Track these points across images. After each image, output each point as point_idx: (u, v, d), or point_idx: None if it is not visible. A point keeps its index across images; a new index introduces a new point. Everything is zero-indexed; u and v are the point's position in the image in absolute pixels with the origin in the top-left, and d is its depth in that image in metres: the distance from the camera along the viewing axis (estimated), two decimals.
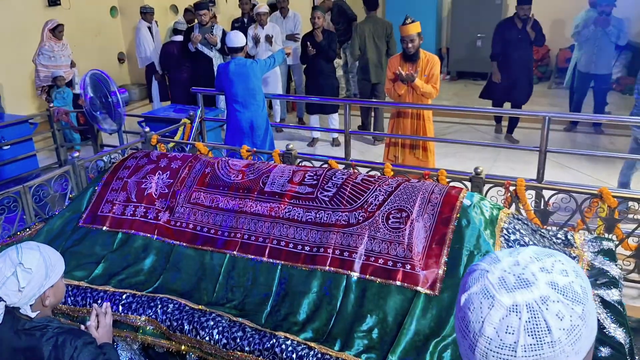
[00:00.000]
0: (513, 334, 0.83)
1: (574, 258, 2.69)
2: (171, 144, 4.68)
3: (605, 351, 2.09)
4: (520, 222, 2.50)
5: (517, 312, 0.83)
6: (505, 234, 2.35)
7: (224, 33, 7.02)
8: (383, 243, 2.33)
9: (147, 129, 4.73)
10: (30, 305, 1.86)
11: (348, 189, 2.55)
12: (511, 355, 0.83)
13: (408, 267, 2.25)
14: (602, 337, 2.15)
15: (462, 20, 10.28)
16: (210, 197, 2.79)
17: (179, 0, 9.94)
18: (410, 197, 2.42)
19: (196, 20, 7.12)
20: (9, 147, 5.96)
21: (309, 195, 2.60)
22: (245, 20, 7.80)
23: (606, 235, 3.21)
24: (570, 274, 0.87)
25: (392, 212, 2.39)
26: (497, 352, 0.84)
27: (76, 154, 4.09)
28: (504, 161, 5.78)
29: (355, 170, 3.16)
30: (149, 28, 7.90)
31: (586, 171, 5.55)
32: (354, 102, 6.86)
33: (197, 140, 5.28)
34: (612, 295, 2.40)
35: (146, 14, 7.85)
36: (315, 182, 2.65)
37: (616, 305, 2.33)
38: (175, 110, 6.04)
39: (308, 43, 6.46)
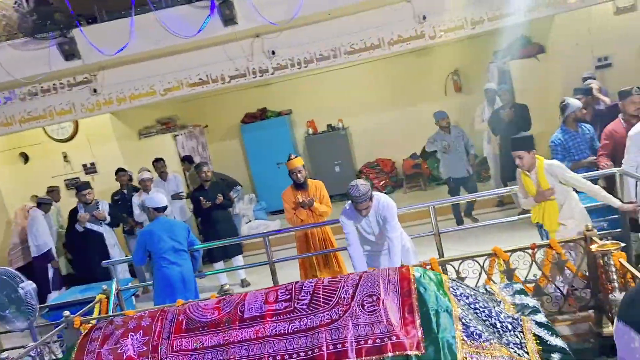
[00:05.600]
0: None
1: (499, 302, 3.31)
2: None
3: (556, 356, 2.65)
4: (455, 281, 3.09)
5: None
6: (453, 290, 2.91)
7: (110, 207, 7.20)
8: (366, 326, 2.73)
9: (67, 313, 4.63)
10: None
11: (320, 293, 2.95)
12: None
13: (394, 338, 2.66)
14: (549, 348, 2.72)
15: (318, 152, 11.46)
16: (192, 340, 2.96)
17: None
18: (373, 283, 2.89)
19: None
20: None
21: (287, 308, 2.93)
22: (125, 191, 8.04)
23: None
24: None
25: (365, 298, 2.83)
26: None
27: None
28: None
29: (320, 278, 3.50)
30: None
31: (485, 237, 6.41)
32: (269, 234, 6.61)
33: (117, 312, 5.21)
34: (540, 318, 3.04)
35: (44, 204, 7.69)
36: (289, 295, 3.00)
37: (546, 323, 2.95)
38: (81, 291, 5.90)
39: (201, 197, 6.89)
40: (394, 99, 11.36)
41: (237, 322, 2.97)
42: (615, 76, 7.75)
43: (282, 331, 2.85)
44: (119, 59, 6.49)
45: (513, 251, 3.99)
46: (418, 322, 2.70)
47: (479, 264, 4.04)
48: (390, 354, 2.62)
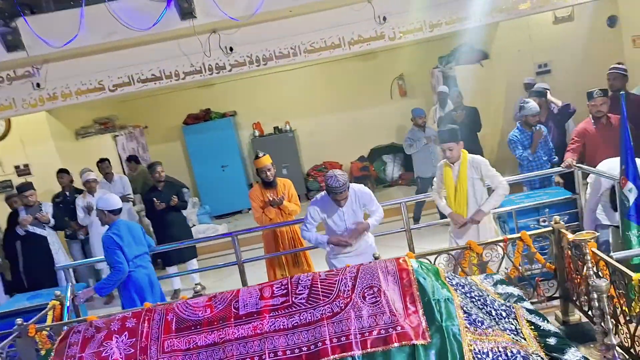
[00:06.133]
0: None
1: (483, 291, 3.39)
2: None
3: (552, 340, 2.74)
4: (449, 272, 3.14)
5: None
6: (449, 280, 2.94)
7: (57, 208, 6.76)
8: (369, 318, 2.70)
9: (20, 321, 4.29)
10: None
11: (319, 286, 2.89)
12: None
13: (399, 328, 2.65)
14: (544, 333, 2.81)
15: None
16: (184, 339, 2.80)
17: None
18: (372, 274, 2.87)
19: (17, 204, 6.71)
20: None
21: (285, 303, 2.85)
22: (67, 193, 7.57)
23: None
24: None
25: (365, 290, 2.81)
26: None
27: None
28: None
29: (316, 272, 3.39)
30: None
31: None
32: (237, 234, 5.83)
33: (72, 319, 4.87)
34: (527, 305, 3.13)
35: None
36: (285, 290, 2.91)
37: (535, 310, 3.05)
38: (28, 298, 5.46)
39: (155, 199, 6.59)
40: (341, 102, 11.47)
41: (232, 319, 2.85)
42: (554, 82, 8.21)
43: (282, 326, 2.77)
44: (66, 52, 6.08)
45: (486, 244, 4.12)
46: (421, 311, 2.71)
47: (454, 258, 4.12)
48: (396, 344, 2.61)
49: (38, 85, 6.38)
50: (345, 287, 2.86)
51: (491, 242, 4.11)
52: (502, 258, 4.11)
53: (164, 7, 5.86)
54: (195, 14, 5.95)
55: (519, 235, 4.06)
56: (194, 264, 6.95)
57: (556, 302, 4.22)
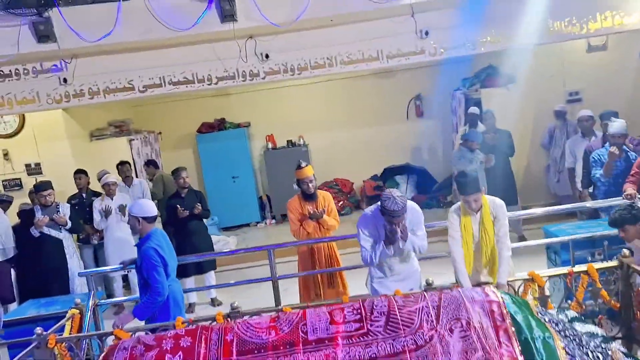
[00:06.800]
0: None
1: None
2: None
3: None
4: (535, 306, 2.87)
5: None
6: (541, 316, 2.67)
7: (72, 211, 6.44)
8: (460, 354, 2.42)
9: (40, 330, 3.97)
10: None
11: (397, 314, 2.60)
12: None
13: None
14: None
15: (276, 169, 10.96)
16: None
17: None
18: (458, 305, 2.59)
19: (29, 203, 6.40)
20: None
21: (359, 330, 2.56)
22: (84, 195, 7.27)
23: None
24: None
25: (452, 322, 2.53)
26: None
27: None
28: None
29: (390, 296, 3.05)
30: None
31: None
32: (274, 247, 5.28)
33: (92, 332, 4.55)
34: (618, 346, 2.86)
35: (5, 202, 6.72)
36: (359, 315, 2.63)
37: (628, 352, 2.78)
38: (43, 305, 5.12)
39: (178, 206, 6.29)
40: (356, 119, 11.28)
41: (300, 345, 2.55)
42: None
43: (358, 357, 2.48)
44: (97, 48, 5.83)
45: (550, 277, 3.85)
46: (517, 350, 2.44)
47: (514, 289, 3.85)
48: None
49: (65, 80, 6.12)
50: (429, 317, 2.58)
51: (555, 275, 3.85)
52: (566, 292, 3.84)
53: (205, 8, 5.64)
54: (236, 17, 5.73)
55: (585, 268, 3.79)
56: (211, 276, 6.63)
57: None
